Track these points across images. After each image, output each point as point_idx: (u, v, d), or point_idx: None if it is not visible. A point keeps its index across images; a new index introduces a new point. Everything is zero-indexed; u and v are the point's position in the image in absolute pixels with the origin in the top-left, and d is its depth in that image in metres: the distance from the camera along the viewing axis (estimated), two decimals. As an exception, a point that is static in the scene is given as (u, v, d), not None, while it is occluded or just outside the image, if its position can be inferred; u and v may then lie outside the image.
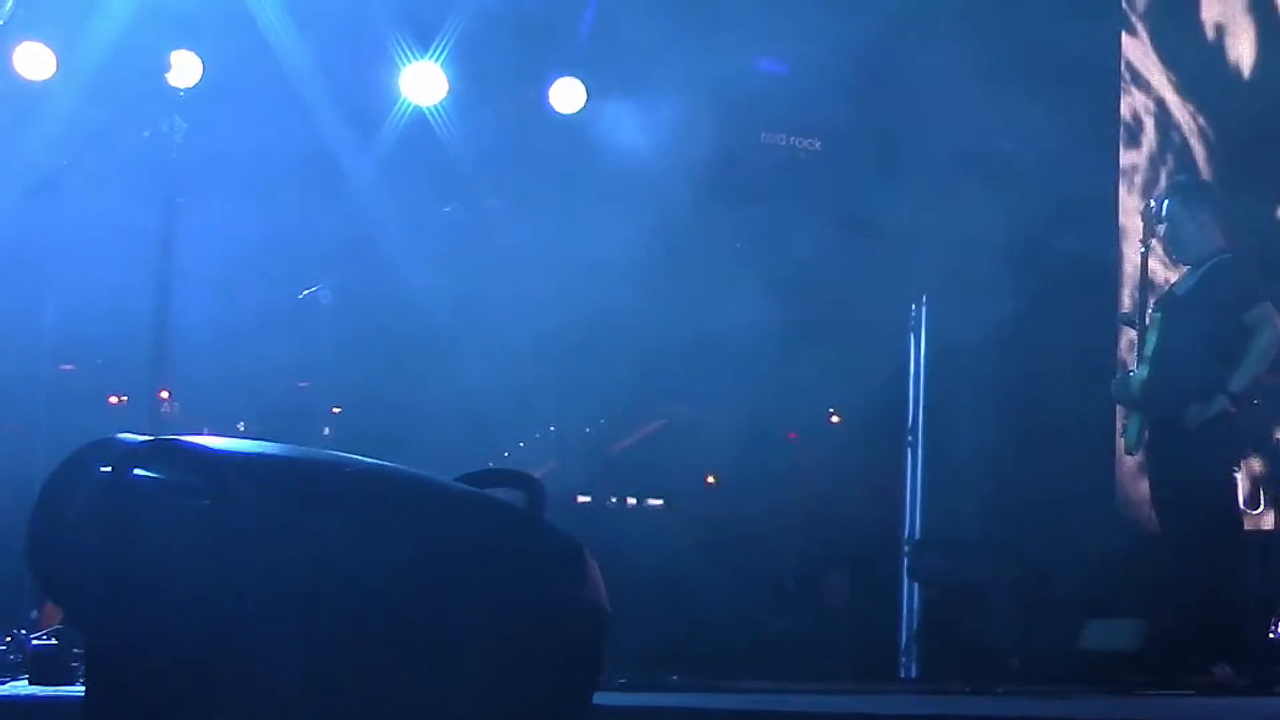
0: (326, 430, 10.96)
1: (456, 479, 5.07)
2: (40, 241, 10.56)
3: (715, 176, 11.15)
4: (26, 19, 10.20)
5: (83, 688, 4.83)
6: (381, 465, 4.91)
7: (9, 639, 7.93)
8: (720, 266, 10.95)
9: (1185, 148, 11.14)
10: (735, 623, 10.20)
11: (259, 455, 4.81)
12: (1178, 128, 11.24)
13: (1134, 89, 11.49)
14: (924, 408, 11.85)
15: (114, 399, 11.02)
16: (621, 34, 10.99)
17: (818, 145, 11.58)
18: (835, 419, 11.83)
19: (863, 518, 11.51)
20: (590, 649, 4.86)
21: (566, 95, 11.30)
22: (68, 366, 11.26)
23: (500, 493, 5.10)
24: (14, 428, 10.76)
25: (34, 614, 8.44)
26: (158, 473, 4.59)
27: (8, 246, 10.07)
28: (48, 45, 10.48)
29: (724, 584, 10.20)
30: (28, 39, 10.43)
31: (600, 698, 4.98)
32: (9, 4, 8.14)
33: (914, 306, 11.90)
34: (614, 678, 7.72)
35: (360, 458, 4.93)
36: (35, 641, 7.71)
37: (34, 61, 10.47)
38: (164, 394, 9.22)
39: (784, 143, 11.58)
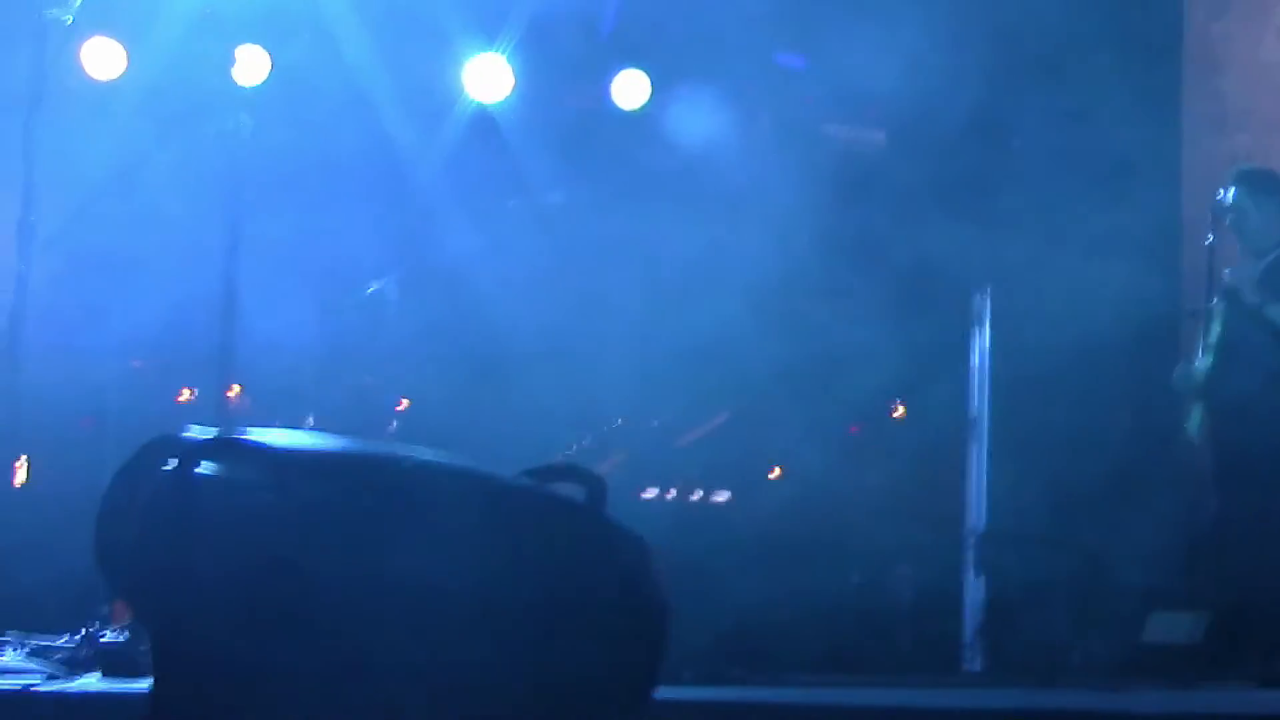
0: (393, 425, 11.03)
1: (519, 474, 5.09)
2: (109, 238, 10.66)
3: (778, 168, 11.16)
4: (95, 16, 10.29)
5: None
6: (443, 460, 4.87)
7: (81, 634, 7.96)
8: (784, 259, 10.95)
9: (1256, 136, 11.09)
10: (799, 617, 10.19)
11: (320, 450, 4.81)
12: (1249, 115, 11.20)
13: (1203, 78, 11.46)
14: (988, 399, 11.82)
15: (183, 394, 11.12)
16: (685, 26, 11.00)
17: (882, 137, 11.58)
18: (899, 411, 11.83)
19: (926, 510, 11.50)
20: (653, 644, 4.82)
21: (630, 89, 11.32)
22: (137, 363, 11.37)
23: (563, 488, 5.11)
24: (85, 424, 10.86)
25: (105, 609, 8.51)
26: (220, 469, 4.61)
27: (78, 243, 10.17)
28: (116, 41, 10.59)
29: (788, 578, 10.21)
30: (97, 35, 10.54)
31: (664, 692, 4.96)
32: (76, 1, 8.21)
33: (978, 296, 11.88)
34: (678, 672, 7.74)
35: (422, 452, 4.95)
36: (106, 637, 7.82)
37: (103, 58, 10.58)
38: (234, 389, 9.28)
39: (847, 135, 11.57)
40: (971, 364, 11.92)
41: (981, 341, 11.90)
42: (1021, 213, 10.82)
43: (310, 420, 10.53)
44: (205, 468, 4.59)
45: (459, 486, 4.81)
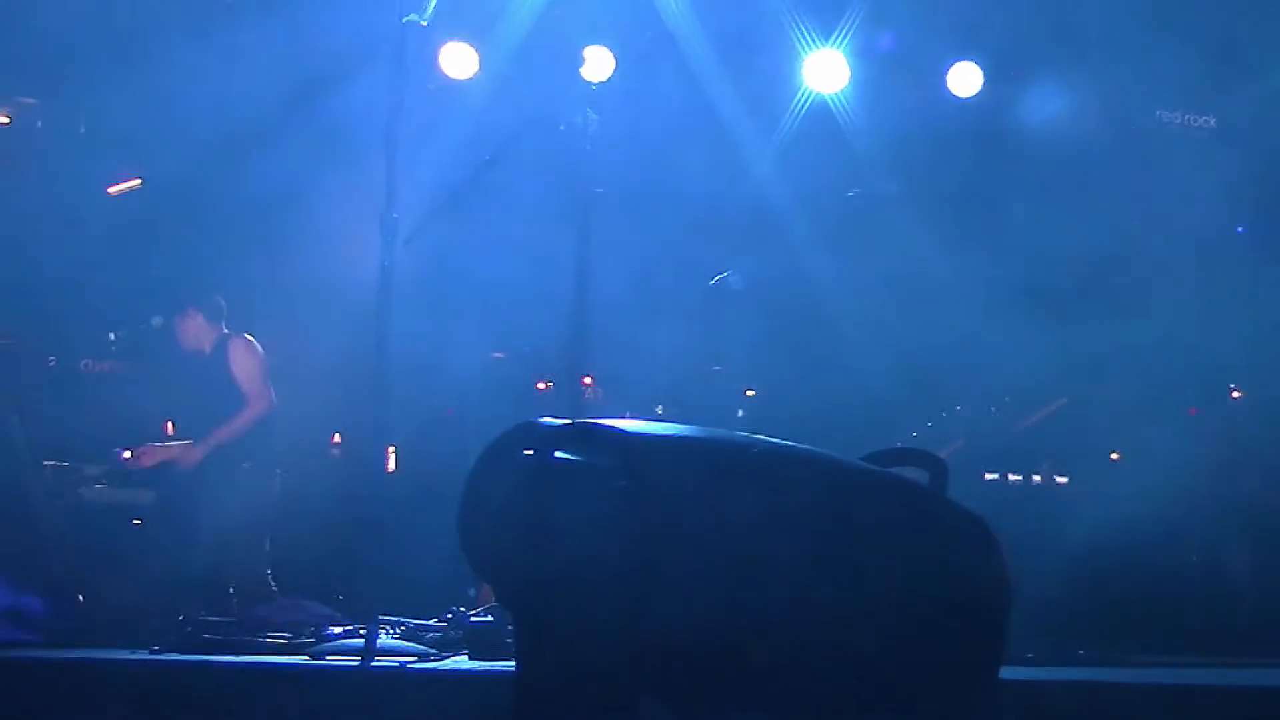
0: (740, 412, 11.19)
1: (861, 458, 5.21)
2: (467, 232, 10.96)
3: (1111, 155, 11.09)
4: (449, 19, 10.61)
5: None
6: (788, 445, 4.98)
7: (449, 616, 8.24)
8: (1118, 245, 10.88)
9: None
10: (1139, 597, 10.11)
11: (670, 437, 4.91)
12: None
13: None
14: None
15: (541, 385, 11.39)
16: (1018, 16, 10.99)
17: (1212, 122, 11.41)
18: (1235, 394, 11.64)
19: (1264, 490, 11.29)
20: (996, 624, 4.89)
21: (965, 79, 11.35)
22: (498, 354, 11.69)
23: (906, 471, 5.20)
24: (448, 413, 11.18)
25: (472, 592, 8.77)
26: (577, 455, 4.76)
27: (439, 241, 10.47)
28: (470, 45, 10.93)
29: (1128, 558, 10.13)
30: (451, 38, 10.90)
31: (1007, 672, 5.03)
32: (431, 4, 8.48)
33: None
34: (1021, 652, 7.77)
35: (767, 438, 5.07)
36: (474, 618, 8.11)
37: (458, 60, 10.95)
38: (587, 380, 9.50)
39: (1179, 121, 11.43)
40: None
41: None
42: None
43: (660, 409, 10.75)
44: (564, 454, 4.81)
45: (806, 470, 4.93)
